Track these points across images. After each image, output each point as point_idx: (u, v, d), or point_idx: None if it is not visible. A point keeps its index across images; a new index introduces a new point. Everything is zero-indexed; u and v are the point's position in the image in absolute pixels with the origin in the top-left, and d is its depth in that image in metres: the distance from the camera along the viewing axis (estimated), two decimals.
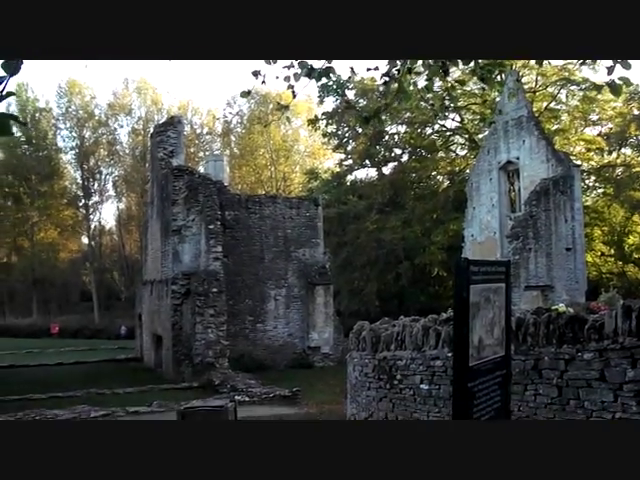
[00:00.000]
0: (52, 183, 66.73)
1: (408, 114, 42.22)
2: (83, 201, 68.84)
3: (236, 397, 17.31)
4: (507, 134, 30.76)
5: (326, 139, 50.34)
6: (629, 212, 40.06)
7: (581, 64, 35.14)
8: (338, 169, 50.76)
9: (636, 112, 39.74)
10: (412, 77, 5.45)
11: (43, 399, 19.69)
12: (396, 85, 5.36)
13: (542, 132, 30.45)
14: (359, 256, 41.16)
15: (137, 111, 68.36)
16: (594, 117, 42.11)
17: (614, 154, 42.67)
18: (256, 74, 5.05)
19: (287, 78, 5.04)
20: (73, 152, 68.40)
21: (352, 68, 5.89)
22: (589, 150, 41.81)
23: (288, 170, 64.90)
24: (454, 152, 47.32)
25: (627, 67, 4.22)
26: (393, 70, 5.21)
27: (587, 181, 41.55)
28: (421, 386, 10.59)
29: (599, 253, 41.26)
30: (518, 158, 30.34)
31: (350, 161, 48.68)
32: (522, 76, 36.90)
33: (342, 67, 36.26)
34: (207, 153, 61.34)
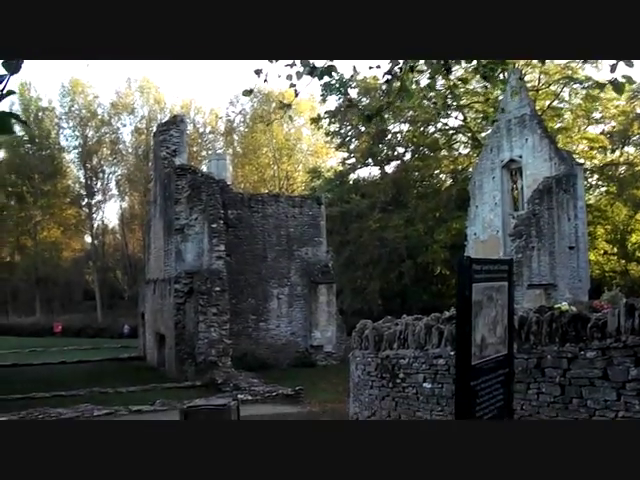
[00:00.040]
0: (55, 182, 66.84)
1: (411, 113, 42.16)
2: (86, 200, 68.97)
3: (239, 396, 17.32)
4: (510, 132, 30.74)
5: (329, 138, 50.31)
6: (632, 210, 40.06)
7: (584, 62, 35.11)
8: (341, 168, 50.75)
9: (639, 110, 39.69)
10: (414, 75, 5.45)
11: (46, 398, 19.70)
12: (398, 83, 5.35)
13: (545, 130, 30.42)
14: (362, 255, 41.15)
15: (140, 110, 68.57)
16: (597, 115, 42.09)
17: (617, 152, 42.67)
18: (258, 73, 5.05)
19: (289, 76, 5.04)
20: (76, 151, 68.65)
21: (354, 66, 5.89)
22: (592, 148, 41.75)
23: (291, 169, 64.89)
24: (457, 150, 47.30)
25: (630, 65, 4.21)
26: (395, 68, 5.21)
27: (590, 179, 41.53)
28: (424, 385, 10.58)
29: (602, 251, 41.23)
30: (521, 156, 30.32)
31: (353, 160, 48.66)
32: (525, 74, 36.81)
33: (344, 66, 36.26)
34: (210, 152, 61.34)
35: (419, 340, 10.90)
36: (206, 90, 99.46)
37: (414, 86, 5.56)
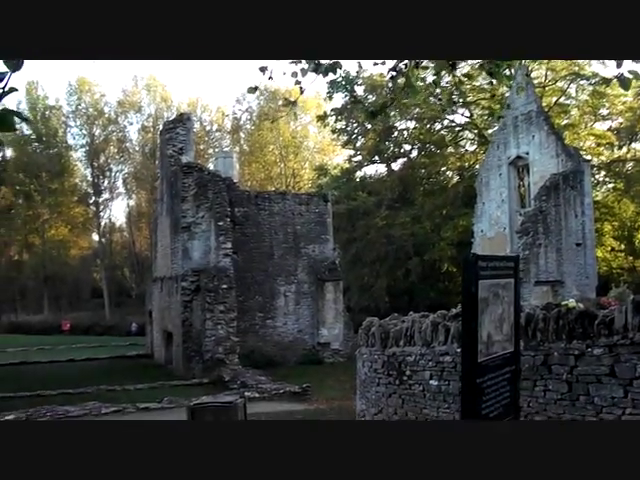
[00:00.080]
0: (62, 180, 67.08)
1: (417, 110, 42.14)
2: (93, 198, 69.25)
3: (246, 393, 17.36)
4: (517, 129, 30.67)
5: (335, 135, 50.33)
6: (639, 207, 39.91)
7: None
8: (347, 165, 50.74)
9: None
10: (419, 72, 5.43)
11: (54, 395, 19.78)
12: (403, 80, 5.34)
13: (552, 127, 30.34)
14: (369, 252, 41.14)
15: (147, 108, 68.77)
16: (604, 112, 41.95)
17: (624, 149, 42.50)
18: (263, 70, 5.04)
19: (294, 74, 5.04)
20: (83, 149, 68.89)
21: (359, 63, 5.89)
22: (599, 145, 41.63)
23: (297, 166, 64.92)
24: (463, 147, 47.23)
25: (637, 60, 4.19)
26: (400, 65, 5.20)
27: (597, 176, 41.40)
28: (430, 382, 10.57)
29: (609, 248, 41.09)
30: (528, 153, 30.25)
31: (359, 157, 48.64)
32: (531, 71, 36.73)
33: (350, 63, 36.26)
34: (216, 150, 61.40)
35: (425, 337, 10.89)
36: (213, 88, 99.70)
37: (420, 83, 5.55)
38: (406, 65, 5.16)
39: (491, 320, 4.59)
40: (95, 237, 73.22)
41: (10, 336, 49.56)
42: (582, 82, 39.57)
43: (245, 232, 28.85)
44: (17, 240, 68.77)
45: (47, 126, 66.12)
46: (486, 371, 4.54)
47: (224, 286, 25.09)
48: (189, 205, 26.42)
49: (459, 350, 9.51)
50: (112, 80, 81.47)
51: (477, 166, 39.27)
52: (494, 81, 6.09)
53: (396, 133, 46.03)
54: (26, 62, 2.61)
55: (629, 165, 41.39)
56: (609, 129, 41.83)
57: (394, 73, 5.27)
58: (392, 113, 40.88)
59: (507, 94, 31.81)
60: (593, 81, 38.30)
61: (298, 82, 5.13)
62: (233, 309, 25.23)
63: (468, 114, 44.22)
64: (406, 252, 40.47)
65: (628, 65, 4.25)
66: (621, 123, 41.36)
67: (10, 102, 65.91)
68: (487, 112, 41.72)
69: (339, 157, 61.65)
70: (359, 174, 48.99)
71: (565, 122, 41.22)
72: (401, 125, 45.92)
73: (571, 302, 8.96)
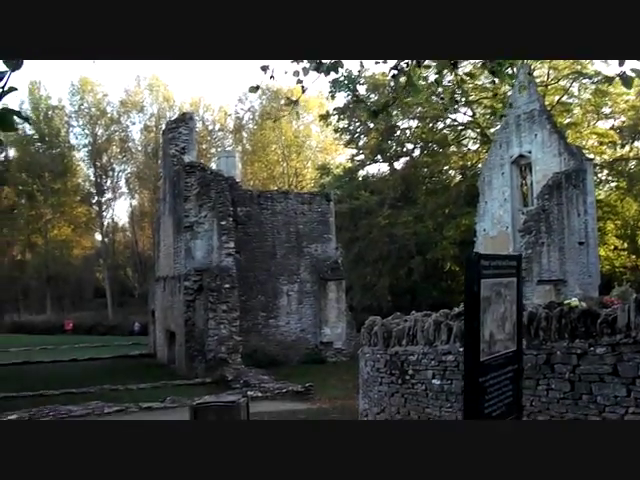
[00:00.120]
0: (65, 180, 67.14)
1: (419, 109, 42.11)
2: (96, 198, 69.31)
3: (249, 392, 17.36)
4: (519, 128, 30.63)
5: (338, 134, 50.29)
6: None
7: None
8: (350, 164, 50.74)
9: None
10: (421, 71, 5.43)
11: (57, 395, 19.78)
12: (405, 79, 5.34)
13: (554, 126, 30.29)
14: (371, 251, 41.13)
15: (149, 108, 68.81)
16: (607, 110, 41.89)
17: (627, 147, 42.44)
18: (265, 69, 5.05)
19: (296, 73, 5.04)
20: (86, 149, 68.93)
21: (361, 62, 5.88)
22: (602, 143, 41.57)
23: (300, 166, 64.90)
24: (466, 146, 47.16)
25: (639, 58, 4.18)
26: (402, 63, 5.19)
27: (600, 175, 41.32)
28: (433, 381, 10.56)
29: (612, 247, 41.06)
30: (530, 152, 30.21)
31: (362, 156, 48.63)
32: (533, 69, 36.67)
33: (352, 62, 36.28)
34: (219, 149, 61.33)
35: (428, 336, 10.87)
36: (215, 87, 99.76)
37: (422, 82, 5.55)
38: (408, 64, 5.15)
39: (493, 319, 4.58)
40: (98, 237, 73.43)
41: (13, 336, 49.63)
42: (584, 81, 39.54)
43: (248, 231, 28.85)
44: (20, 240, 68.86)
45: (50, 126, 66.19)
46: (489, 370, 4.54)
47: (227, 285, 25.10)
48: (192, 204, 26.43)
49: (462, 349, 9.50)
50: (114, 80, 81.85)
51: (479, 165, 39.22)
52: (496, 80, 6.08)
53: (398, 132, 45.98)
54: (28, 62, 2.62)
55: (632, 164, 41.33)
56: (612, 128, 41.74)
57: (396, 72, 5.27)
58: (394, 112, 40.86)
59: (509, 93, 31.81)
60: (595, 80, 38.27)
61: (300, 81, 5.14)
62: (236, 308, 25.24)
63: (470, 113, 44.18)
64: (408, 251, 40.46)
65: (631, 63, 4.24)
66: (624, 122, 41.28)
67: (13, 102, 66.05)
68: (489, 111, 41.76)
69: (341, 156, 61.77)
70: (361, 173, 49.00)
71: (567, 121, 41.16)
72: (403, 124, 45.93)
73: (574, 301, 8.95)
